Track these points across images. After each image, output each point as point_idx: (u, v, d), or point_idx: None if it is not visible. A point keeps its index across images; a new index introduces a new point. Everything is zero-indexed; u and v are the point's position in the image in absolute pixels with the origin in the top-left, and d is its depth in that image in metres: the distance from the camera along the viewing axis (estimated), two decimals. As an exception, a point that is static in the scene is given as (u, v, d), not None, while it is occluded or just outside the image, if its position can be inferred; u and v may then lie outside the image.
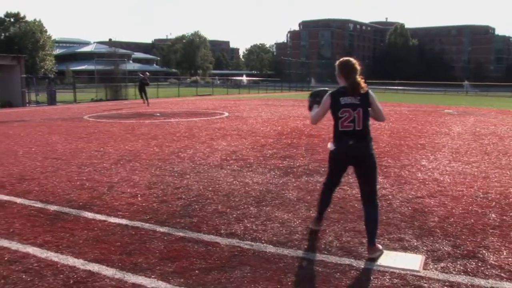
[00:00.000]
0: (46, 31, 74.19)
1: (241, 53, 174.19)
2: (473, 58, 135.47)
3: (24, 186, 6.96)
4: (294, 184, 7.17)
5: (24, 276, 3.87)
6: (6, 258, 4.24)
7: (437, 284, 3.78)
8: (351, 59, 4.52)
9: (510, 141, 12.60)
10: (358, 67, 4.44)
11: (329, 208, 5.10)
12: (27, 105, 29.70)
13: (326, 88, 4.77)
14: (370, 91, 4.45)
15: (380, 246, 4.45)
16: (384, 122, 8.75)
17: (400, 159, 9.46)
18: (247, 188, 6.91)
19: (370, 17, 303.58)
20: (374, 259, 4.28)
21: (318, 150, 10.32)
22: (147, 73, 28.76)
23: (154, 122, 17.19)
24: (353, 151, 4.42)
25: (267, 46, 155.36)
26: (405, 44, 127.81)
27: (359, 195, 5.88)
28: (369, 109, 4.45)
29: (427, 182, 7.37)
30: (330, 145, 4.52)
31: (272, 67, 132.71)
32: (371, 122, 4.59)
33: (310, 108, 4.82)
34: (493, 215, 5.65)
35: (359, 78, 4.38)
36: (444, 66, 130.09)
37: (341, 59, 4.59)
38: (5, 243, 4.64)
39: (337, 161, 4.59)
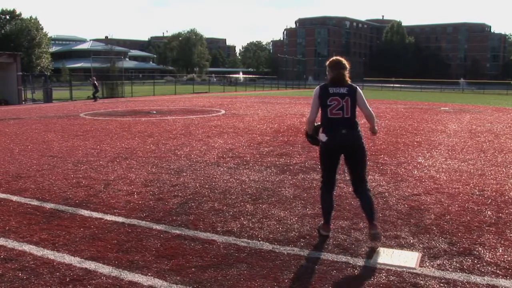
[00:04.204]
0: (42, 29, 73.81)
1: (237, 50, 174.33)
2: (469, 55, 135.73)
3: (20, 184, 6.94)
4: (291, 182, 7.17)
5: (20, 274, 3.86)
6: (2, 256, 4.22)
7: (433, 281, 3.79)
8: (340, 58, 4.82)
9: (506, 138, 12.63)
10: (347, 65, 4.72)
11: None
12: (23, 103, 29.61)
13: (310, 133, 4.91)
14: (358, 88, 4.71)
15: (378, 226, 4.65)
16: (380, 120, 8.78)
17: (397, 156, 9.48)
18: (243, 186, 6.91)
19: (367, 15, 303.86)
20: (375, 237, 4.50)
21: (314, 148, 10.29)
22: (94, 78, 33.35)
23: (151, 119, 17.17)
24: (345, 140, 4.58)
25: (264, 43, 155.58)
26: (402, 42, 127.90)
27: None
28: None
29: (423, 180, 7.39)
30: (322, 136, 4.62)
31: (268, 64, 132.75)
32: (363, 118, 4.70)
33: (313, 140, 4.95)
34: (489, 212, 5.67)
35: (344, 72, 4.68)
36: (440, 63, 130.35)
37: (331, 59, 4.86)
38: (1, 241, 4.63)
39: (329, 151, 4.67)
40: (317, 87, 4.76)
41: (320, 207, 5.00)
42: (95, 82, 31.95)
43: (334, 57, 4.89)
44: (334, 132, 4.57)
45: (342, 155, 4.70)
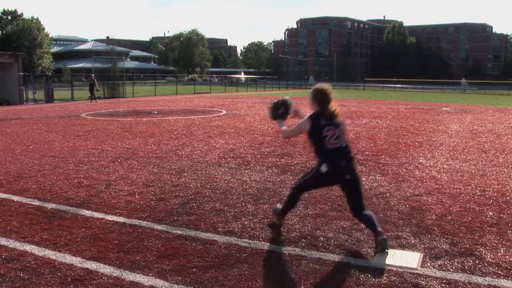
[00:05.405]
0: (43, 29, 73.91)
1: (238, 51, 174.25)
2: (470, 56, 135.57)
3: (21, 184, 6.95)
4: (292, 182, 7.14)
5: (21, 274, 3.86)
6: (3, 256, 4.23)
7: (434, 282, 3.79)
8: (327, 87, 4.73)
9: (507, 139, 12.62)
10: (332, 96, 4.68)
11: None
12: (25, 103, 29.63)
13: (287, 98, 5.10)
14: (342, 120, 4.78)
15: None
16: (381, 120, 8.80)
17: (398, 157, 9.48)
18: (244, 186, 6.91)
19: (368, 15, 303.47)
20: (384, 242, 4.36)
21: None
22: (93, 75, 32.50)
23: (152, 120, 17.18)
24: (345, 173, 4.58)
25: (265, 44, 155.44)
26: (403, 42, 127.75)
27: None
28: None
29: (424, 180, 7.38)
30: (323, 166, 4.56)
31: (269, 65, 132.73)
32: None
33: (274, 117, 5.10)
34: (490, 213, 5.66)
35: (334, 106, 4.65)
36: (441, 64, 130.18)
37: (316, 87, 4.80)
38: (2, 241, 4.63)
39: (327, 180, 4.76)
40: (307, 118, 4.69)
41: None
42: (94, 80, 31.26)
43: (320, 87, 4.77)
44: (335, 164, 4.53)
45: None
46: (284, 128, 4.98)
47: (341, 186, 4.76)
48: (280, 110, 5.04)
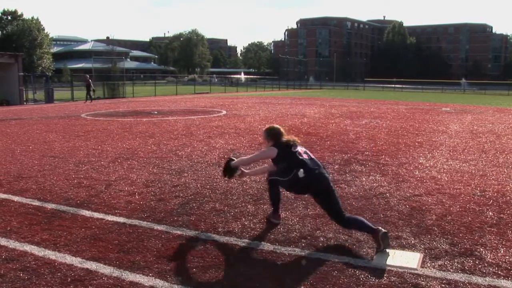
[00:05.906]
0: (43, 29, 73.91)
1: (239, 51, 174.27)
2: (470, 56, 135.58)
3: (21, 184, 6.95)
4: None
5: (21, 275, 3.86)
6: (3, 256, 4.23)
7: (434, 282, 3.79)
8: (276, 126, 5.14)
9: (507, 139, 12.62)
10: (283, 130, 5.09)
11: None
12: (25, 103, 29.64)
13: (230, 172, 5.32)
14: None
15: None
16: (381, 121, 8.82)
17: (398, 157, 9.48)
18: (244, 186, 6.91)
19: (368, 16, 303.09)
20: (385, 236, 4.35)
21: (316, 148, 10.33)
22: (87, 75, 32.18)
23: (152, 120, 17.18)
24: (322, 181, 4.72)
25: (265, 44, 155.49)
26: (403, 42, 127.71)
27: (357, 193, 5.93)
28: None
29: (424, 180, 7.38)
30: (300, 172, 4.69)
31: (269, 65, 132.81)
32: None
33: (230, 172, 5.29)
34: (490, 213, 5.66)
35: (288, 136, 5.01)
36: (441, 64, 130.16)
37: (266, 127, 5.18)
38: (2, 241, 4.63)
39: (303, 189, 4.88)
40: (272, 147, 4.93)
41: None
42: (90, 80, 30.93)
43: (270, 126, 5.16)
44: (311, 171, 4.70)
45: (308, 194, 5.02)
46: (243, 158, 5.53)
47: (315, 196, 4.87)
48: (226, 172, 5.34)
